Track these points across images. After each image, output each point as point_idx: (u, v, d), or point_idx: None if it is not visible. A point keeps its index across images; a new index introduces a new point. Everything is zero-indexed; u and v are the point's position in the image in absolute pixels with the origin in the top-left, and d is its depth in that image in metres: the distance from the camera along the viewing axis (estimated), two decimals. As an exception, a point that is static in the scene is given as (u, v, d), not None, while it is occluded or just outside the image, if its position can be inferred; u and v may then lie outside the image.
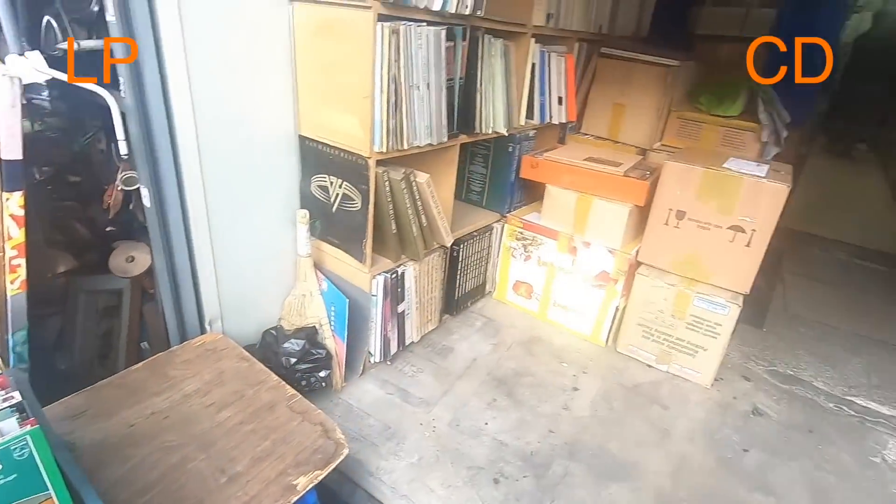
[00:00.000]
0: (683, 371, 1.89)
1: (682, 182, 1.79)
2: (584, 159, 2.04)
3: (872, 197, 4.70)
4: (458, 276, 2.04)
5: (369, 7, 1.29)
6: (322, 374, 1.56)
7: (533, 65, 2.01)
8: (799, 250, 3.21)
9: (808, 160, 4.63)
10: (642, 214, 1.93)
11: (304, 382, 1.53)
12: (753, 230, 1.70)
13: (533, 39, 1.95)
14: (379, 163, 1.50)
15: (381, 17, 1.33)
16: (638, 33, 2.72)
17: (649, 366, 1.95)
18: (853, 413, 1.81)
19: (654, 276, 1.88)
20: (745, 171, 1.71)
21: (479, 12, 1.57)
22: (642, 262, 1.93)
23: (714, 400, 1.81)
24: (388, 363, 1.81)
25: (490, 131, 1.88)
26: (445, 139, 1.65)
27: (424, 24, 1.44)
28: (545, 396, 1.74)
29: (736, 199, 1.70)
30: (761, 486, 1.48)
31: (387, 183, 1.52)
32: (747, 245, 1.72)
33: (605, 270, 1.97)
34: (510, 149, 2.10)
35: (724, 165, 1.76)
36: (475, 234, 2.07)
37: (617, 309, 1.98)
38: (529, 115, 2.11)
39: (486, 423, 1.60)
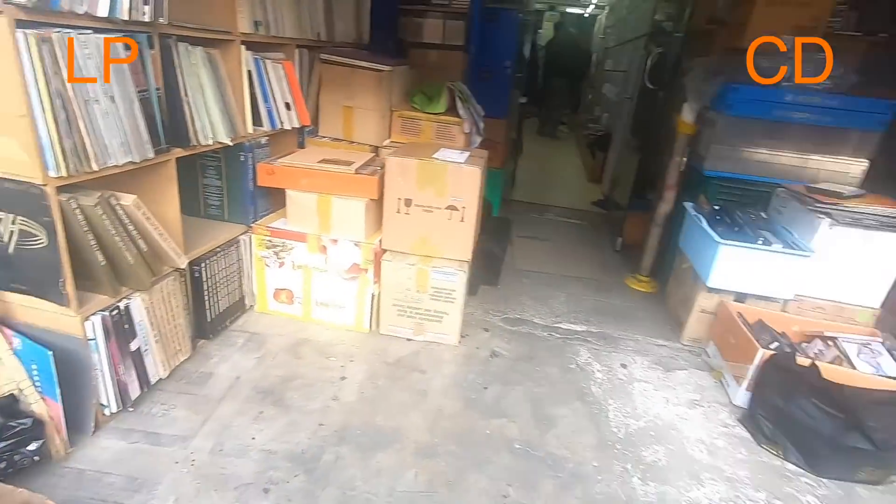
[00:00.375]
0: (436, 337, 2.17)
1: (404, 174, 2.02)
2: (319, 161, 2.13)
3: (571, 167, 6.04)
4: (206, 297, 1.92)
5: (0, 12, 1.11)
6: (32, 446, 1.31)
7: (249, 72, 2.00)
8: (523, 217, 3.95)
9: (523, 143, 5.68)
10: (379, 206, 2.12)
11: (4, 464, 1.26)
12: (464, 207, 2.04)
13: (244, 47, 1.94)
14: (63, 189, 1.31)
15: (24, 24, 1.16)
16: (359, 41, 2.92)
17: (409, 339, 2.18)
18: (559, 336, 2.35)
19: (398, 259, 2.09)
20: (449, 159, 2.04)
21: (161, 19, 1.49)
22: (386, 248, 2.13)
23: (461, 354, 2.13)
24: (131, 410, 1.61)
25: (211, 142, 1.81)
26: (152, 155, 1.53)
27: (90, 31, 1.30)
28: (314, 394, 1.79)
29: (446, 184, 2.01)
30: (497, 413, 1.82)
31: (77, 211, 1.34)
32: (462, 220, 2.05)
33: (355, 263, 2.10)
34: (242, 158, 2.06)
35: (434, 156, 2.06)
36: (219, 249, 1.97)
37: (373, 295, 2.15)
38: (257, 122, 2.10)
39: (254, 438, 1.57)
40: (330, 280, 2.14)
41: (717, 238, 2.12)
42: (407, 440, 1.64)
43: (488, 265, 2.93)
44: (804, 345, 2.11)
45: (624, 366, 2.18)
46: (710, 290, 2.24)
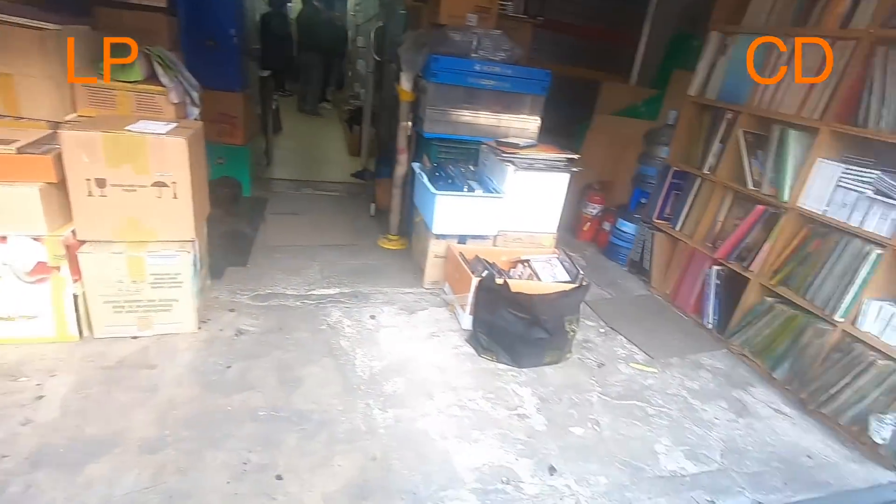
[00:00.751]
0: (168, 327, 1.98)
1: (88, 150, 1.75)
2: (-40, 142, 1.68)
3: (334, 143, 6.08)
4: None
5: None
6: None
7: None
8: (280, 195, 3.85)
9: (281, 121, 5.48)
10: (64, 191, 1.79)
11: None
12: (174, 182, 1.87)
13: None
14: None
15: None
16: (18, -8, 2.36)
17: (134, 337, 1.94)
18: (311, 302, 2.40)
19: (99, 250, 1.82)
20: (147, 130, 1.83)
21: None
22: (83, 239, 1.83)
23: (201, 339, 2.00)
24: None
25: None
26: None
27: None
28: (-7, 424, 1.47)
29: (147, 159, 1.81)
30: (241, 388, 1.77)
31: None
32: (175, 197, 1.89)
33: (40, 261, 1.75)
34: None
35: (127, 128, 1.82)
36: None
37: (75, 296, 1.83)
38: None
39: None
40: (7, 287, 1.74)
41: (433, 190, 2.42)
42: (128, 442, 1.48)
43: (236, 246, 2.79)
44: (511, 270, 2.60)
45: (373, 317, 2.35)
46: (438, 236, 2.56)
